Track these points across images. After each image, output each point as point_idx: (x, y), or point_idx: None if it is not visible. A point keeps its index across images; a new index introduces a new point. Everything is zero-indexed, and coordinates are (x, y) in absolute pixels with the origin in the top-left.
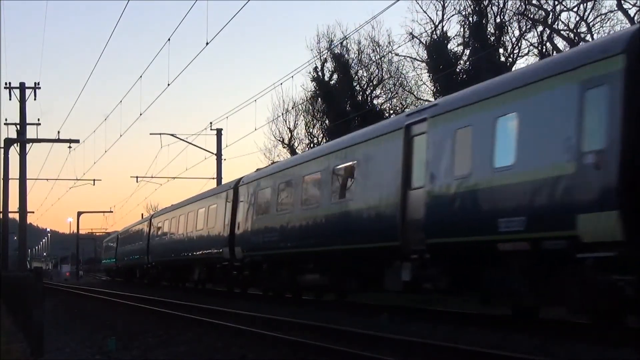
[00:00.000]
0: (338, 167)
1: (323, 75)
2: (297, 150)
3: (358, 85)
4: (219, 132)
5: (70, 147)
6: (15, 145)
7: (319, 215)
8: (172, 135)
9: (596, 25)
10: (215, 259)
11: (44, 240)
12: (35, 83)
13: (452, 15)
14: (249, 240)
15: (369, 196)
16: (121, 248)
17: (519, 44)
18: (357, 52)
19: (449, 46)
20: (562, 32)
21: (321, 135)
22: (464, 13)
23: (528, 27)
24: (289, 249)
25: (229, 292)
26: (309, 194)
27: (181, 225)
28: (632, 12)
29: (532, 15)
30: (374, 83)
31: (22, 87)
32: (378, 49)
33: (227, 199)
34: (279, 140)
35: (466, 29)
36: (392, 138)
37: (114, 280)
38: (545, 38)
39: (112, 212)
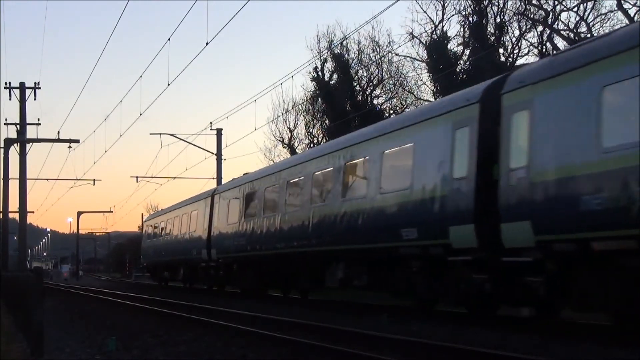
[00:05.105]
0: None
1: (323, 75)
2: (297, 150)
3: (358, 85)
4: (219, 132)
5: (70, 147)
6: (15, 145)
7: None
8: (172, 135)
9: (596, 25)
10: None
11: (44, 240)
12: (35, 83)
13: (452, 15)
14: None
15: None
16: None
17: (519, 44)
18: (357, 52)
19: (449, 46)
20: (562, 32)
21: (321, 135)
22: (464, 13)
23: (528, 27)
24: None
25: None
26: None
27: None
28: (632, 12)
29: (532, 15)
30: (374, 83)
31: (22, 87)
32: (378, 49)
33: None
34: (279, 140)
35: (466, 29)
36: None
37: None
38: (545, 38)
39: (112, 212)
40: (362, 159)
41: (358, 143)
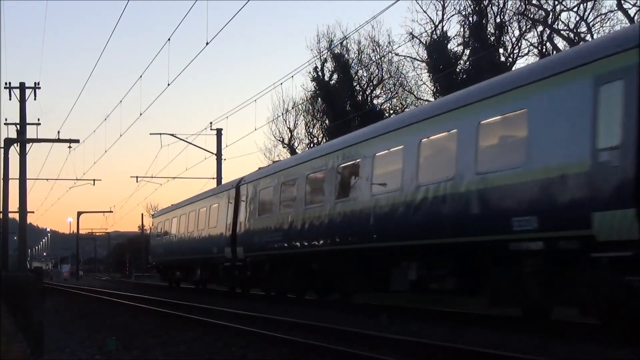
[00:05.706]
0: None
1: (323, 75)
2: (297, 150)
3: (358, 85)
4: (219, 132)
5: (70, 147)
6: (15, 145)
7: None
8: (172, 135)
9: (596, 25)
10: None
11: (44, 240)
12: (35, 83)
13: (452, 15)
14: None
15: None
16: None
17: (519, 44)
18: (357, 52)
19: (449, 46)
20: (562, 32)
21: (321, 135)
22: (464, 13)
23: (528, 27)
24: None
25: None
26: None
27: None
28: (632, 12)
29: (532, 15)
30: (374, 83)
31: (22, 87)
32: (378, 49)
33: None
34: (279, 140)
35: (466, 29)
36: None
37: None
38: (545, 38)
39: (112, 212)
40: (448, 132)
41: (440, 114)
